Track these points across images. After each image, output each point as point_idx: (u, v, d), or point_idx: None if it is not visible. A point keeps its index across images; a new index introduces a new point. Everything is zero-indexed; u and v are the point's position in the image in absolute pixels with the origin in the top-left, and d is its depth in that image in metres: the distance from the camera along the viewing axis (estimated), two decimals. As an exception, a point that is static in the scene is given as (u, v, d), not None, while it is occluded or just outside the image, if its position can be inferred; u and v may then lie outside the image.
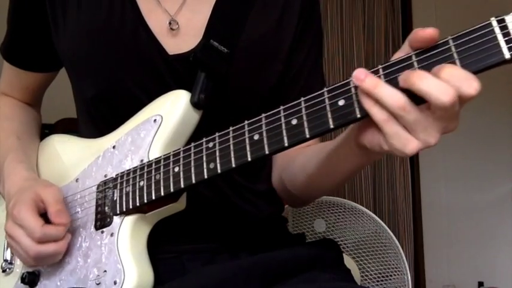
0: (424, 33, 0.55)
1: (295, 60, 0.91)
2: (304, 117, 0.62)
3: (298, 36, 0.90)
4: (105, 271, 0.75)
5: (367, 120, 0.60)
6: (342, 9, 2.84)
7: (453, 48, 0.54)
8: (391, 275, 1.75)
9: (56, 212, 0.78)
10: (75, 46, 0.86)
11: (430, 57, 0.55)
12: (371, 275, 1.76)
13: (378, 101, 0.56)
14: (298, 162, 0.85)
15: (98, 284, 0.74)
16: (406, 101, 0.55)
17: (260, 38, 0.86)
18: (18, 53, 0.98)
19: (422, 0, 3.02)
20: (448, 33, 0.55)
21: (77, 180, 0.86)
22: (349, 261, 1.74)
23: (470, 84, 0.52)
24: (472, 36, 0.53)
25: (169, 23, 0.84)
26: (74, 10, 0.86)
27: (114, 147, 0.83)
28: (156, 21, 0.85)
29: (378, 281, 1.75)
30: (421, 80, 0.53)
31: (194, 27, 0.85)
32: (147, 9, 0.85)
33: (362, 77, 0.57)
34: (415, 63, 0.56)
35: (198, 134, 0.78)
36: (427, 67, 0.55)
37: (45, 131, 1.16)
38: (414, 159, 2.93)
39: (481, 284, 2.85)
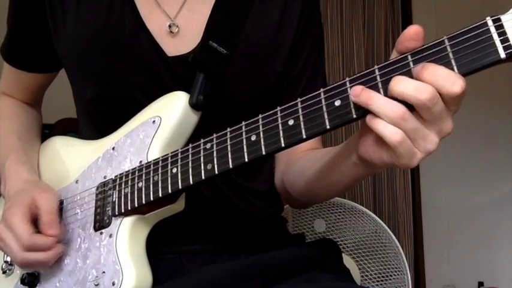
0: (409, 32, 0.57)
1: (296, 62, 0.90)
2: (301, 118, 0.62)
3: (299, 37, 0.89)
4: (103, 272, 0.75)
5: (368, 134, 0.61)
6: (342, 9, 2.84)
7: (449, 48, 0.54)
8: (391, 275, 1.75)
9: (47, 223, 0.78)
10: (74, 47, 0.86)
11: (426, 57, 0.55)
12: (371, 275, 1.76)
13: (377, 114, 0.56)
14: (299, 166, 0.85)
15: (96, 285, 0.74)
16: (405, 110, 0.56)
17: (260, 39, 0.86)
18: (18, 54, 0.98)
19: (422, 0, 3.01)
20: (448, 33, 0.55)
21: (76, 181, 0.87)
22: (349, 261, 1.74)
23: (453, 82, 0.53)
24: (467, 35, 0.53)
25: (169, 26, 0.84)
26: (73, 11, 0.86)
27: (113, 148, 0.83)
28: (155, 23, 0.85)
29: (378, 281, 1.75)
30: (397, 83, 0.55)
31: (193, 28, 0.85)
32: (147, 11, 0.85)
33: (358, 92, 0.57)
34: (411, 63, 0.56)
35: (196, 134, 0.78)
36: None
37: (45, 131, 1.17)
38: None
39: (481, 284, 2.84)
